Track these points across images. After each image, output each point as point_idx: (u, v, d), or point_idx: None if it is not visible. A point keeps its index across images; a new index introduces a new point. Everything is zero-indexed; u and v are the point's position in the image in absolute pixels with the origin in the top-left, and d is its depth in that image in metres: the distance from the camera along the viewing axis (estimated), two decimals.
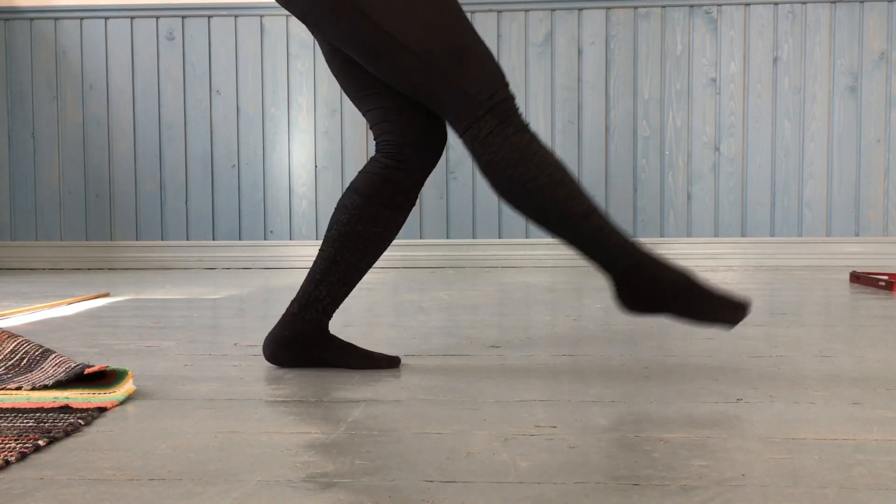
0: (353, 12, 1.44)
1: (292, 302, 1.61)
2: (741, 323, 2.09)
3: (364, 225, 1.57)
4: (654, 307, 1.52)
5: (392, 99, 1.55)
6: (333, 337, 1.62)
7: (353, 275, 1.59)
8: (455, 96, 1.47)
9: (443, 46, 1.45)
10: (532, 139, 1.49)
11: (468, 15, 3.94)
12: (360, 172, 1.60)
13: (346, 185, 4.02)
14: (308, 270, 1.59)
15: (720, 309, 1.49)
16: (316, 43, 4.02)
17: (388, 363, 1.60)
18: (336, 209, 1.60)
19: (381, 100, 1.56)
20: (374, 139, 1.60)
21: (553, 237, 1.50)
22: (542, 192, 1.47)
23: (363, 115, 1.61)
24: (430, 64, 1.45)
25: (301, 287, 1.61)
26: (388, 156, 1.57)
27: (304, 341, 1.59)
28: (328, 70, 4.01)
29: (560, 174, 1.48)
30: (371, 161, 1.60)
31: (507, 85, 1.51)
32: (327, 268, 1.58)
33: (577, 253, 1.53)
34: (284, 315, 1.61)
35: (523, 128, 1.49)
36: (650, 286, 1.50)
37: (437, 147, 1.59)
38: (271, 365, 1.63)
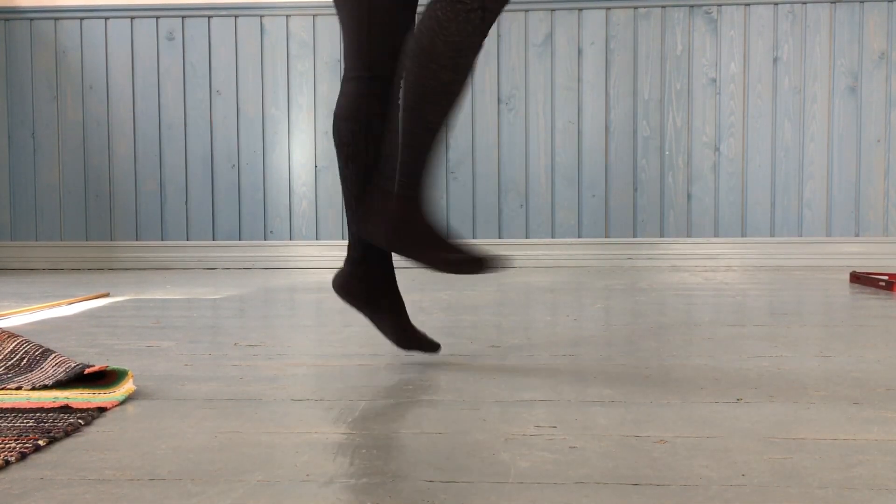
0: None
1: (351, 248, 1.62)
2: (738, 324, 2.09)
3: (374, 145, 1.58)
4: (387, 239, 1.54)
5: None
6: (397, 292, 1.66)
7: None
8: None
9: None
10: (460, 44, 1.47)
11: None
12: (339, 99, 1.61)
13: None
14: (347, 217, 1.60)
15: (453, 264, 1.49)
16: (316, 43, 4.02)
17: (430, 347, 1.64)
18: (337, 144, 1.60)
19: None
20: (343, 55, 1.64)
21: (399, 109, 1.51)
22: (436, 86, 1.47)
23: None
24: None
25: (350, 233, 1.61)
26: (357, 68, 1.59)
27: (375, 282, 1.63)
28: (328, 70, 4.01)
29: (458, 88, 1.48)
30: (343, 82, 1.62)
31: None
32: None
33: (399, 138, 1.53)
34: (349, 259, 1.63)
35: (483, 31, 1.48)
36: (399, 217, 1.52)
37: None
38: (273, 363, 1.63)
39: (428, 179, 1.54)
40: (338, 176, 4.04)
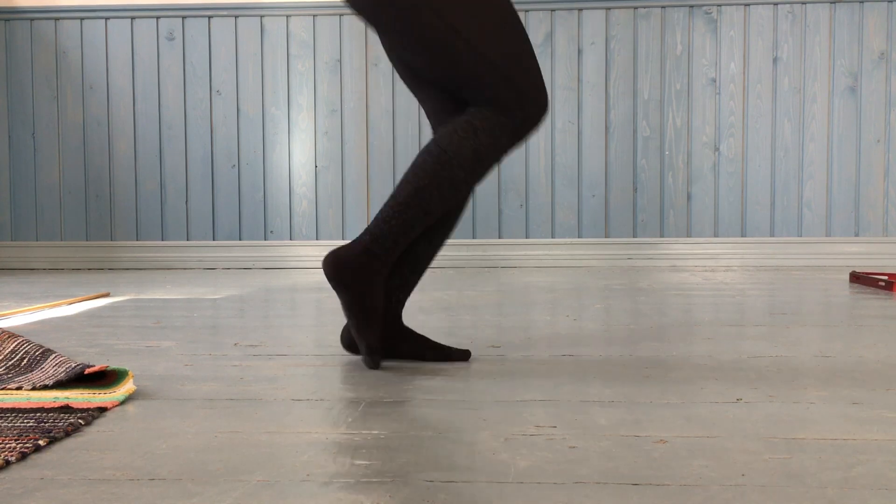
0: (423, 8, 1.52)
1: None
2: (736, 324, 2.08)
3: (460, 206, 1.67)
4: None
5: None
6: (408, 329, 1.68)
7: (422, 263, 1.66)
8: (512, 91, 1.54)
9: (506, 49, 1.54)
10: (487, 155, 1.56)
11: None
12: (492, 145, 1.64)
13: (346, 184, 4.02)
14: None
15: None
16: (316, 43, 4.02)
17: (460, 356, 1.66)
18: (461, 181, 1.62)
19: (439, 91, 1.63)
20: (432, 127, 1.69)
21: (400, 212, 1.56)
22: (445, 187, 1.54)
23: (420, 102, 1.69)
24: (494, 62, 1.53)
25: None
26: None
27: (384, 333, 1.65)
28: (328, 70, 4.02)
29: (439, 192, 1.56)
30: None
31: (546, 108, 1.60)
32: (397, 261, 1.63)
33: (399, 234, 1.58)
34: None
35: (499, 143, 1.57)
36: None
37: None
38: (273, 363, 1.63)
39: (394, 253, 1.58)
40: (338, 176, 4.04)
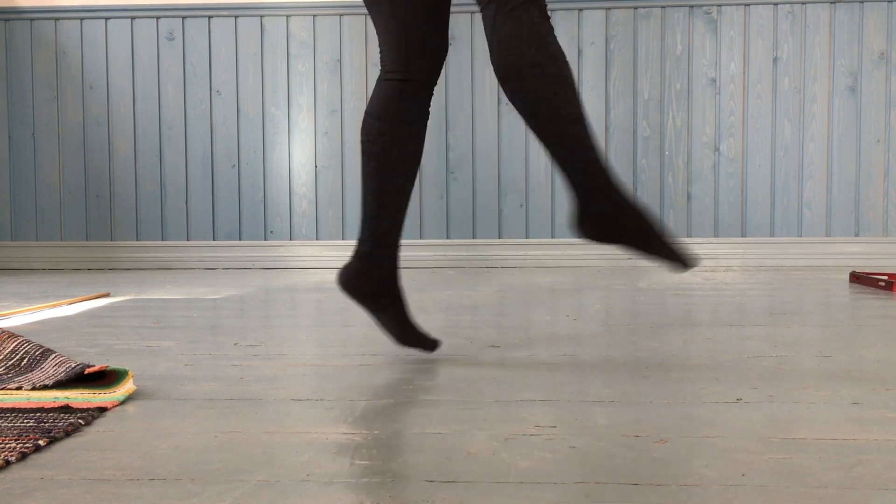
0: None
1: (360, 243, 1.66)
2: (742, 324, 2.09)
3: (398, 148, 1.62)
4: (608, 235, 1.56)
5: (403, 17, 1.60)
6: (400, 289, 1.68)
7: (404, 199, 1.66)
8: None
9: None
10: (551, 30, 1.51)
11: (468, 17, 3.94)
12: (372, 97, 1.64)
13: (346, 184, 4.02)
14: (361, 212, 1.65)
15: (668, 254, 1.55)
16: (316, 43, 4.02)
17: (430, 345, 1.67)
18: (363, 141, 1.63)
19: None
20: (380, 57, 1.65)
21: (533, 131, 1.53)
22: (546, 82, 1.48)
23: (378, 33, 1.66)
24: None
25: (361, 229, 1.66)
26: (393, 70, 1.61)
27: (380, 278, 1.66)
28: (328, 70, 4.02)
29: (567, 72, 1.50)
30: (378, 83, 1.64)
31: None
32: (380, 202, 1.62)
33: (553, 157, 1.54)
34: (357, 254, 1.66)
35: (547, 17, 1.52)
36: (610, 212, 1.54)
37: (440, 56, 1.64)
38: (273, 363, 1.63)
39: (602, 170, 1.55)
40: (338, 176, 4.04)
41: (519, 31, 1.48)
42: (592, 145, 1.52)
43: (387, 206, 1.63)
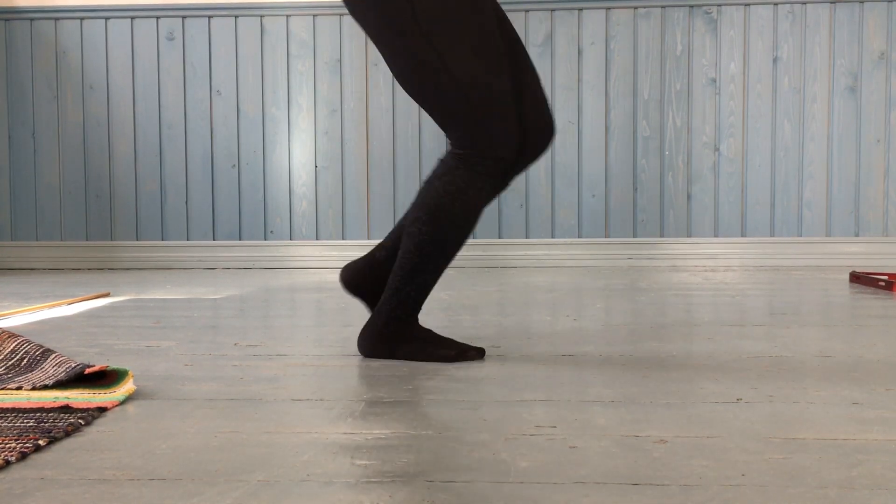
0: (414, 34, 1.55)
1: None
2: (743, 324, 2.09)
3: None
4: (382, 354, 1.67)
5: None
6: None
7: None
8: (480, 133, 1.58)
9: (485, 83, 1.56)
10: (474, 209, 1.60)
11: None
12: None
13: (346, 184, 4.02)
14: (393, 268, 1.67)
15: (453, 357, 1.65)
16: (316, 43, 4.02)
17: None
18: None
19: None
20: (479, 141, 1.62)
21: (401, 262, 1.66)
22: (428, 243, 1.60)
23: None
24: (469, 97, 1.56)
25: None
26: (508, 158, 1.64)
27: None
28: (328, 70, 4.02)
29: (444, 252, 1.62)
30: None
31: (515, 149, 1.61)
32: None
33: (396, 277, 1.65)
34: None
35: (482, 193, 1.61)
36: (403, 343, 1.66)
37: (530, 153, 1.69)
38: (273, 363, 1.63)
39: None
40: (338, 176, 4.04)
41: (453, 188, 1.60)
42: (419, 298, 1.65)
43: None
